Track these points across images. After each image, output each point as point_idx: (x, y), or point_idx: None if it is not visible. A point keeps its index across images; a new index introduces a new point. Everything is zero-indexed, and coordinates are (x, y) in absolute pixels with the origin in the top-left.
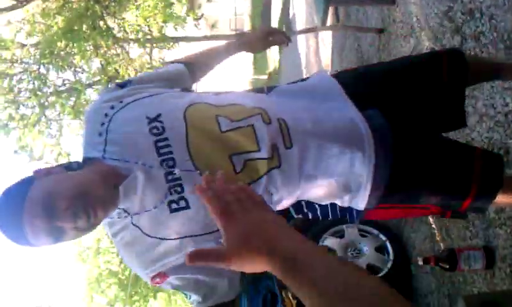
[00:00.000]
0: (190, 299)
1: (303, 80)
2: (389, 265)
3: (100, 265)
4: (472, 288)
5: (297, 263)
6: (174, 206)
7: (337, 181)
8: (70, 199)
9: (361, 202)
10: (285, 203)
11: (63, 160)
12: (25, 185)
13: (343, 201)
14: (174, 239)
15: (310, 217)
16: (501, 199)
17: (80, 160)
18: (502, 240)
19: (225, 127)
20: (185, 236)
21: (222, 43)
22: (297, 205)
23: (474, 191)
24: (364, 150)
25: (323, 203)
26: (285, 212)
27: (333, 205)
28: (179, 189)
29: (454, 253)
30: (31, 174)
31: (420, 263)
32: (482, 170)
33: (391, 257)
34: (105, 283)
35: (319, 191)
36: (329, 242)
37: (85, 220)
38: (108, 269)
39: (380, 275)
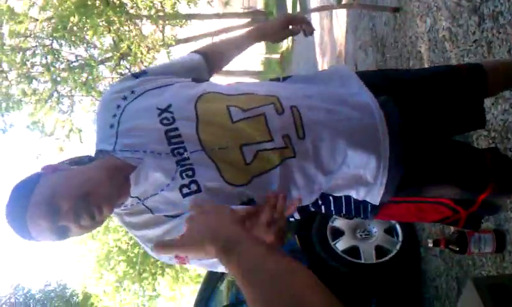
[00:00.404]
0: None
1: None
2: (398, 247)
3: (110, 242)
4: (481, 272)
5: (235, 248)
6: (185, 190)
7: (353, 173)
8: (73, 199)
9: (376, 195)
10: (307, 198)
11: (75, 137)
12: (31, 183)
13: (358, 194)
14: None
15: (323, 211)
16: None
17: (93, 152)
18: None
19: (236, 117)
20: None
21: (234, 20)
22: None
23: (493, 183)
24: (379, 150)
25: (338, 195)
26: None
27: (348, 199)
28: (190, 173)
29: (464, 236)
30: (38, 170)
31: (430, 245)
32: (495, 164)
33: (400, 239)
34: (115, 261)
35: (335, 182)
36: (339, 222)
37: (88, 219)
38: (117, 247)
39: (389, 257)
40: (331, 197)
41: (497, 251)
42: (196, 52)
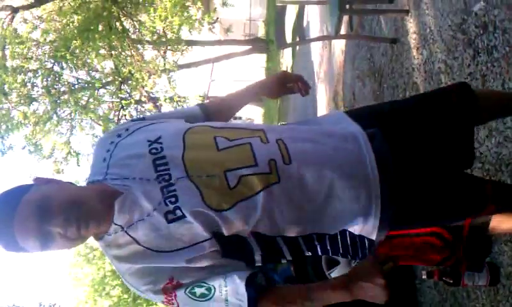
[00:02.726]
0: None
1: None
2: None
3: (106, 266)
4: (475, 305)
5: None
6: (171, 216)
7: (347, 208)
8: (66, 204)
9: (371, 229)
10: (294, 229)
11: (72, 160)
12: (23, 189)
13: (353, 229)
14: (170, 252)
15: (320, 252)
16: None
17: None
18: (507, 256)
19: (222, 146)
20: (184, 247)
21: (235, 47)
22: (308, 238)
23: (492, 204)
24: (368, 179)
25: (333, 233)
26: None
27: (343, 234)
28: (173, 200)
29: (458, 268)
30: (31, 181)
31: (424, 277)
32: (495, 190)
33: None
34: (110, 286)
35: (328, 219)
36: None
37: (75, 229)
38: (113, 271)
39: None
40: (327, 236)
41: (491, 284)
42: (199, 105)
